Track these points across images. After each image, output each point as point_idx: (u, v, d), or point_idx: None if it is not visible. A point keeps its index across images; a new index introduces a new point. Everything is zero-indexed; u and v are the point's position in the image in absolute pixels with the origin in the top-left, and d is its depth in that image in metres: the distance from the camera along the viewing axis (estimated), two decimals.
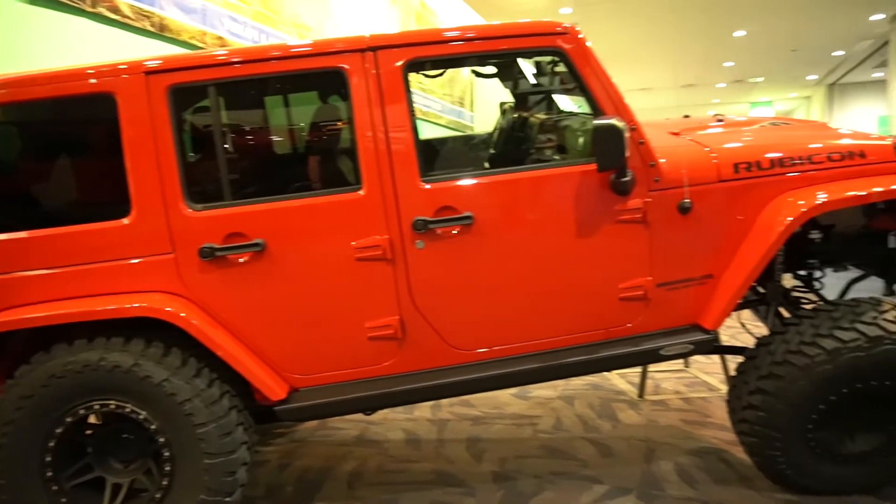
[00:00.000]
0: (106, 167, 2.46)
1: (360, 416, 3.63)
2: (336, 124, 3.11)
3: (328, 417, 3.34)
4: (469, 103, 11.06)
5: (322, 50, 2.35)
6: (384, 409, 2.85)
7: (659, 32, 13.64)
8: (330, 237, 2.36)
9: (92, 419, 2.40)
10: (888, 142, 2.71)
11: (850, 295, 2.80)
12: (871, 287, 3.09)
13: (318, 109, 3.18)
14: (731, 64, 17.30)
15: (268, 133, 3.38)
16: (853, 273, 3.10)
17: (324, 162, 3.00)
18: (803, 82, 21.03)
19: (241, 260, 2.34)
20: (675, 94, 21.15)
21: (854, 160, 2.60)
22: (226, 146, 3.04)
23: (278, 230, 2.34)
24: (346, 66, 2.33)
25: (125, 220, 2.32)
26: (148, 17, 4.18)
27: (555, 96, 3.27)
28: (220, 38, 4.96)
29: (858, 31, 14.37)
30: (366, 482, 3.09)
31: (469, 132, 10.05)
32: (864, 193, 2.51)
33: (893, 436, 2.57)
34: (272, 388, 2.38)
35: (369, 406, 2.55)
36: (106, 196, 2.57)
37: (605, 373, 4.50)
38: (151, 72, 2.30)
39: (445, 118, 9.73)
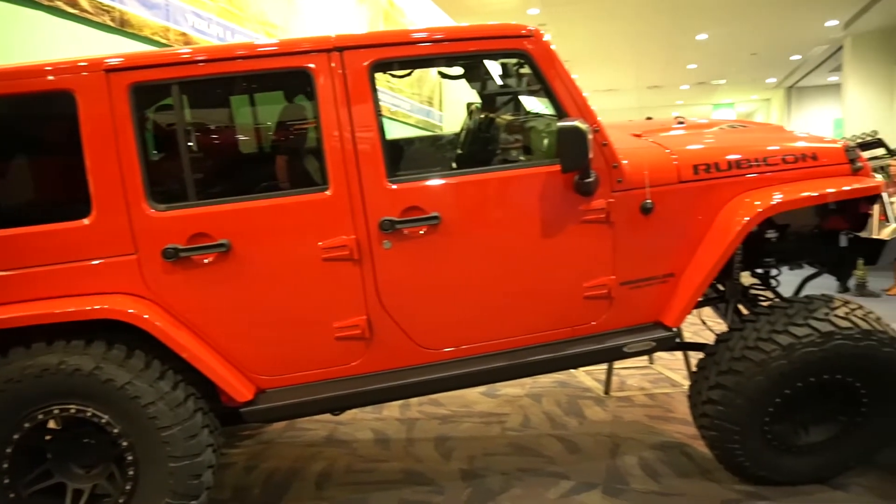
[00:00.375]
0: (66, 166, 2.41)
1: (328, 416, 3.62)
2: (302, 124, 3.10)
3: (296, 418, 3.32)
4: (438, 103, 11.06)
5: (288, 50, 2.34)
6: (352, 409, 2.86)
7: (624, 34, 13.84)
8: (296, 237, 2.35)
9: (52, 424, 2.35)
10: (839, 145, 2.82)
11: (805, 292, 2.90)
12: (827, 284, 3.20)
13: (284, 109, 3.16)
14: (694, 66, 17.64)
15: (233, 132, 3.34)
16: (808, 271, 3.21)
17: (290, 162, 2.98)
18: (763, 85, 21.56)
19: (205, 261, 2.31)
20: (640, 95, 21.48)
21: (807, 162, 2.70)
22: (190, 145, 3.00)
23: (244, 231, 2.32)
24: (312, 66, 2.32)
25: (85, 221, 2.27)
26: (108, 11, 4.08)
27: (522, 97, 3.31)
28: (184, 34, 4.87)
29: (814, 36, 14.81)
30: (334, 482, 3.09)
31: (438, 132, 10.07)
32: (816, 194, 2.61)
33: (844, 428, 2.68)
34: (238, 389, 2.36)
35: (337, 406, 2.55)
36: (65, 196, 2.51)
37: (571, 370, 4.58)
38: (112, 69, 2.25)
39: (414, 117, 9.72)
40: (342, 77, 2.33)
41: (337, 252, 2.35)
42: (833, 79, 18.84)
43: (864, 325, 2.50)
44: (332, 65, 2.33)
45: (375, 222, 2.36)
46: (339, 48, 2.33)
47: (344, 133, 2.33)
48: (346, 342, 2.43)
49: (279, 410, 2.42)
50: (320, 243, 2.35)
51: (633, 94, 21.37)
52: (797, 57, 17.10)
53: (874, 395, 2.60)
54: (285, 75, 2.49)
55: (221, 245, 2.30)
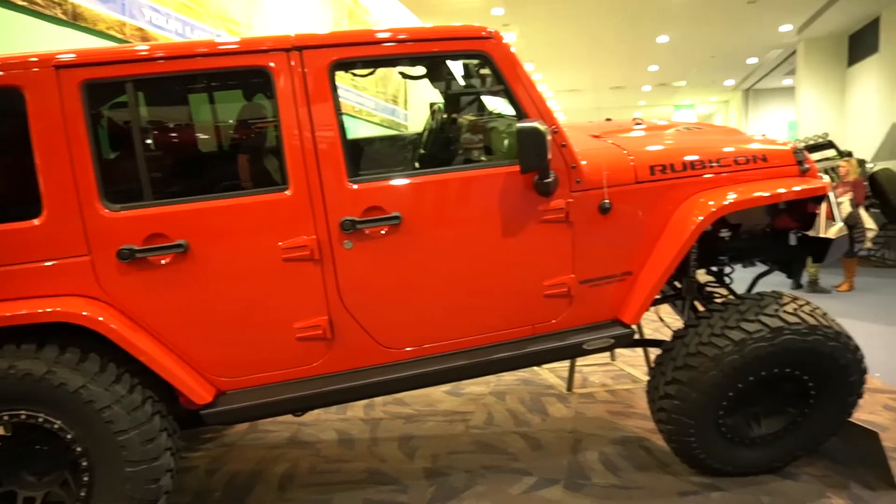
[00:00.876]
0: (14, 165, 2.34)
1: (291, 417, 3.59)
2: (262, 123, 3.06)
3: (256, 420, 3.28)
4: (403, 101, 11.05)
5: (247, 48, 2.32)
6: (314, 409, 2.84)
7: (588, 35, 14.02)
8: (256, 238, 2.33)
9: (0, 431, 2.28)
10: (788, 147, 2.92)
11: (758, 289, 2.99)
12: (781, 281, 3.31)
13: (244, 108, 3.12)
14: (656, 68, 17.98)
15: (191, 131, 3.28)
16: (761, 268, 3.31)
17: (249, 161, 2.95)
18: (722, 87, 22.08)
19: (162, 262, 2.27)
20: (603, 95, 21.77)
21: (758, 164, 2.79)
22: (146, 144, 2.94)
23: (202, 231, 2.29)
24: (271, 65, 2.30)
25: (35, 221, 2.21)
26: (60, 4, 3.96)
27: (485, 98, 3.33)
28: (140, 29, 4.76)
29: (770, 40, 15.23)
30: (297, 484, 3.07)
31: (403, 130, 10.05)
32: (767, 195, 2.70)
33: (794, 419, 2.78)
34: (197, 391, 2.33)
35: (298, 407, 2.53)
36: (14, 195, 2.44)
37: (535, 368, 4.63)
38: (63, 66, 2.19)
39: (379, 116, 9.69)
40: (302, 76, 2.32)
41: (297, 252, 2.34)
42: (788, 82, 19.40)
43: (810, 321, 2.59)
44: (292, 64, 2.31)
45: (336, 222, 2.35)
46: (299, 47, 2.32)
47: (304, 133, 2.32)
48: (307, 342, 2.42)
49: (239, 412, 2.40)
50: (280, 243, 2.33)
51: (596, 95, 21.66)
52: (754, 60, 17.57)
53: (820, 388, 2.70)
54: (244, 74, 2.46)
55: (179, 246, 2.26)
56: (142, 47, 2.32)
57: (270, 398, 2.40)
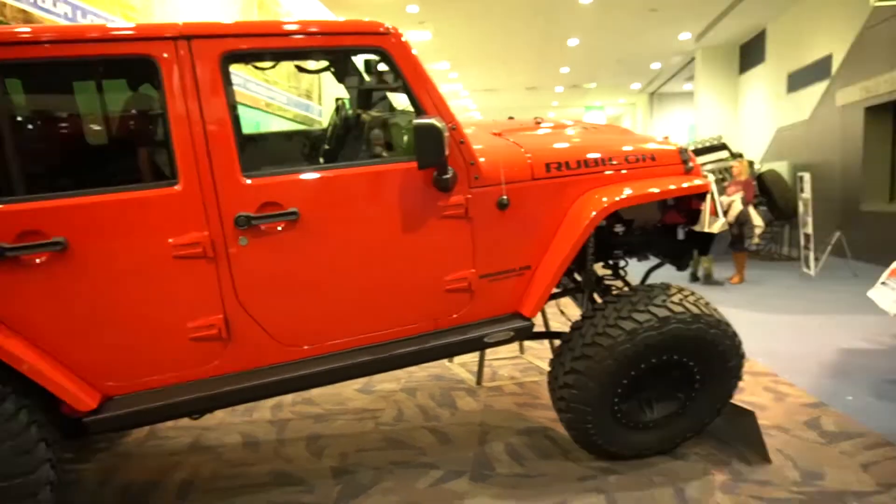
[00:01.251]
0: None
1: (193, 422, 3.46)
2: (150, 115, 2.92)
3: (147, 425, 3.14)
4: (317, 96, 10.86)
5: (130, 36, 2.19)
6: (211, 412, 2.74)
7: (502, 35, 14.28)
8: (143, 234, 2.22)
9: None
10: (674, 147, 3.09)
11: (664, 282, 3.15)
12: (681, 274, 3.50)
13: (131, 98, 2.96)
14: (567, 70, 18.58)
15: (74, 121, 3.07)
16: (654, 261, 3.50)
17: (136, 155, 2.80)
18: (629, 90, 23.11)
19: (38, 261, 2.12)
20: (518, 95, 22.26)
21: (647, 162, 2.94)
22: (20, 133, 2.74)
23: (82, 227, 2.15)
24: (157, 54, 2.20)
25: None
26: None
27: (392, 95, 3.32)
28: (23, 11, 4.43)
29: (671, 47, 16.10)
30: (198, 490, 2.95)
31: (316, 126, 9.86)
32: (655, 191, 2.85)
33: (682, 403, 2.95)
34: (80, 398, 2.19)
35: (193, 410, 2.43)
36: None
37: (446, 363, 4.68)
38: None
39: (292, 111, 9.47)
40: (191, 67, 2.22)
41: (189, 249, 2.25)
42: (688, 87, 20.55)
43: (694, 310, 2.77)
44: (180, 53, 2.22)
45: (230, 218, 2.28)
46: (187, 36, 2.22)
47: (194, 126, 2.23)
48: (202, 343, 2.33)
49: (126, 418, 2.27)
50: (170, 240, 2.23)
51: (511, 95, 22.12)
52: (657, 65, 18.50)
53: (704, 373, 2.88)
54: (128, 62, 2.33)
55: (56, 244, 2.12)
56: (20, 30, 2.14)
57: (160, 402, 2.29)
